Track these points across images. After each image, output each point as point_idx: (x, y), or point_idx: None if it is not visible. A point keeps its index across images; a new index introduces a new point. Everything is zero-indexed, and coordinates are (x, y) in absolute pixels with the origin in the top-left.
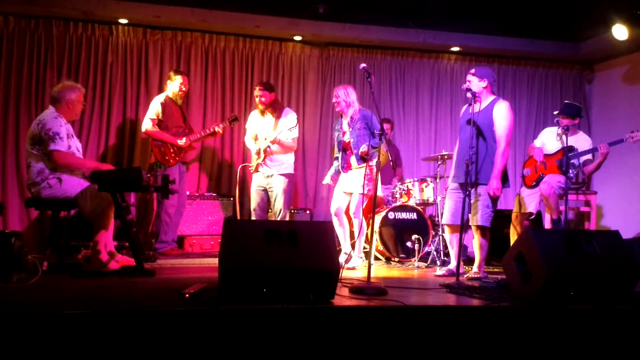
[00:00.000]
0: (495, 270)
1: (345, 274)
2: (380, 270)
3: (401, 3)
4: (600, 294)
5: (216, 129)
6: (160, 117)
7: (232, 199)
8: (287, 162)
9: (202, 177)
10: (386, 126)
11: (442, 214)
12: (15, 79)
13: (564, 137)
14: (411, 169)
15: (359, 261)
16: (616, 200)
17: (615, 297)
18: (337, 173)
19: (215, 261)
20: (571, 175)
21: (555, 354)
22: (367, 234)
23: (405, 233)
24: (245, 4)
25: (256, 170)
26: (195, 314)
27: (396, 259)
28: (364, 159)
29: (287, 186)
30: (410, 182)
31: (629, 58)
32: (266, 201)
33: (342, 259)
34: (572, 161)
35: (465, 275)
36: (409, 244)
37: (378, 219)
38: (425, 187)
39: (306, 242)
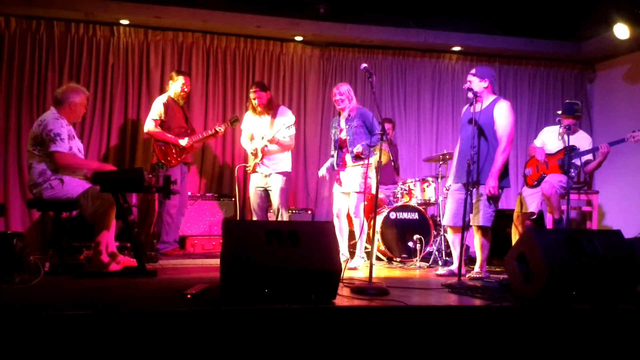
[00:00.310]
0: (497, 270)
1: (346, 274)
2: (382, 271)
3: (402, 3)
4: (602, 294)
5: (217, 129)
6: (162, 118)
7: (233, 199)
8: (284, 160)
9: (203, 178)
10: (387, 126)
11: (443, 214)
12: (16, 80)
13: (565, 136)
14: (412, 169)
15: (361, 261)
16: (617, 200)
17: (617, 296)
18: (332, 168)
19: (216, 261)
20: (573, 174)
21: (558, 353)
22: (368, 234)
23: (407, 233)
24: (246, 5)
25: (254, 171)
26: (197, 315)
27: (398, 259)
28: (359, 157)
29: (285, 184)
30: (411, 182)
31: (630, 57)
32: (266, 201)
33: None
34: (573, 160)
35: (467, 275)
36: (410, 244)
37: (379, 219)
38: (427, 187)
39: (307, 242)
